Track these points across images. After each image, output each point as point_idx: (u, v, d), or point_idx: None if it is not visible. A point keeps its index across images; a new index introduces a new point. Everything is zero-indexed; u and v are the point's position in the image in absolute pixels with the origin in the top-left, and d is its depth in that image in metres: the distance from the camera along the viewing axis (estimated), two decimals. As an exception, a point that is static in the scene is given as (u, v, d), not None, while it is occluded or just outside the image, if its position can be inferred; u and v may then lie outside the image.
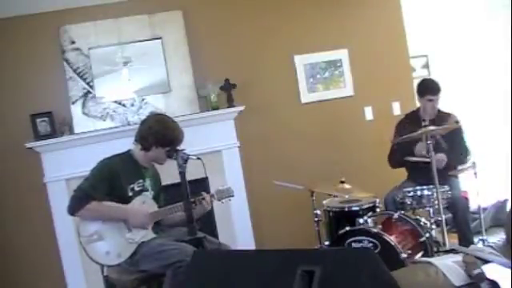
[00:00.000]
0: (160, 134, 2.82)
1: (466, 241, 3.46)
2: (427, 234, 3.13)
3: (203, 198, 2.90)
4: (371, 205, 3.35)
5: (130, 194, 2.82)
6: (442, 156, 3.51)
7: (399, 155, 3.78)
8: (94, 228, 2.72)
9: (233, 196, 3.07)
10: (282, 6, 4.44)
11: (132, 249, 2.72)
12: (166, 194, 3.13)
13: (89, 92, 4.03)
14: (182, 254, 2.58)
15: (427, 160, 3.27)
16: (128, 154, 2.92)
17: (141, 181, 2.89)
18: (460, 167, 3.75)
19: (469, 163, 3.71)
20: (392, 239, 2.93)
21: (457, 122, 3.64)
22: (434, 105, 3.73)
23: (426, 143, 3.24)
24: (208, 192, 3.04)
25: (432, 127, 3.25)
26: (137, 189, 2.85)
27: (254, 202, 4.27)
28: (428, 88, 3.74)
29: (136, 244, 2.73)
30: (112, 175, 2.77)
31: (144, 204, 2.85)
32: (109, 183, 2.75)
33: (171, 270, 2.60)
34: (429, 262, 2.12)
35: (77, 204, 2.69)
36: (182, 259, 2.55)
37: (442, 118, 3.71)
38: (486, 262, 2.02)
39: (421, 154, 3.54)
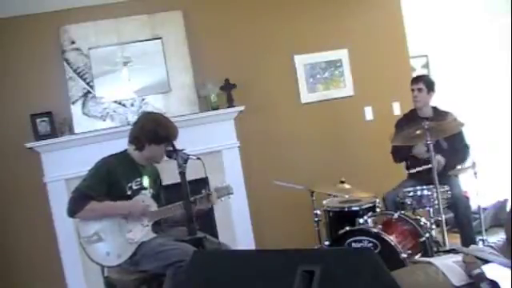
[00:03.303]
0: (152, 131, 2.82)
1: (468, 239, 3.47)
2: (427, 234, 3.13)
3: (210, 194, 2.91)
4: (371, 205, 3.35)
5: (129, 192, 2.81)
6: (440, 158, 3.52)
7: (398, 157, 3.81)
8: (94, 228, 2.71)
9: (232, 193, 3.07)
10: (282, 6, 4.44)
11: (132, 249, 2.71)
12: (165, 194, 3.13)
13: (89, 92, 4.03)
14: (183, 253, 2.57)
15: (428, 166, 3.28)
16: (125, 153, 2.91)
17: (138, 179, 2.88)
18: (460, 166, 3.75)
19: (469, 161, 3.71)
20: (392, 239, 2.93)
21: (455, 120, 3.64)
22: (416, 95, 3.78)
23: (425, 143, 3.24)
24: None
25: (433, 125, 3.24)
26: (135, 187, 2.85)
27: (254, 201, 4.27)
28: (412, 78, 3.88)
29: (136, 244, 2.72)
30: (109, 175, 2.76)
31: (143, 203, 2.85)
32: (107, 183, 2.74)
33: (171, 269, 2.60)
34: (429, 262, 2.12)
35: (76, 206, 2.68)
36: (182, 259, 2.55)
37: (439, 116, 3.71)
38: (486, 261, 2.02)
39: (420, 154, 3.54)
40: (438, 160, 3.50)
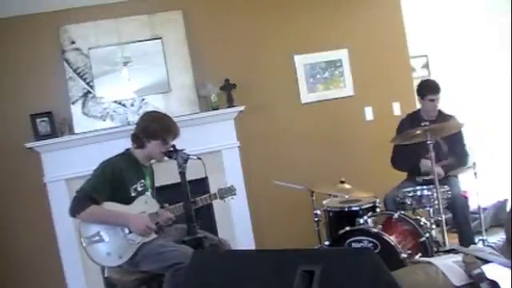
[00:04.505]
0: (149, 126, 2.84)
1: (466, 240, 3.46)
2: (427, 234, 3.12)
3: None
4: (371, 205, 3.35)
5: (133, 194, 2.81)
6: (440, 171, 3.51)
7: (403, 162, 3.79)
8: (96, 229, 2.70)
9: (235, 194, 3.08)
10: (282, 6, 4.44)
11: (133, 250, 2.71)
12: (165, 194, 3.14)
13: (89, 92, 4.03)
14: (182, 255, 2.57)
15: (430, 177, 3.27)
16: (128, 154, 2.92)
17: (142, 181, 2.89)
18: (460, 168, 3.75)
19: (467, 166, 3.70)
20: (392, 239, 2.93)
21: (458, 123, 3.63)
22: (435, 105, 3.73)
23: (430, 158, 3.22)
24: (208, 192, 3.06)
25: (433, 127, 3.24)
26: (139, 189, 2.85)
27: (254, 202, 4.27)
28: (429, 88, 3.75)
29: (137, 245, 2.72)
30: (115, 176, 2.75)
31: (146, 204, 2.85)
32: (111, 185, 2.73)
33: (170, 271, 2.60)
34: (429, 262, 2.12)
35: (78, 206, 2.67)
36: (181, 261, 2.55)
37: (443, 119, 3.70)
38: (486, 261, 2.02)
39: (427, 169, 3.52)
40: (438, 171, 3.50)
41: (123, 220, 2.72)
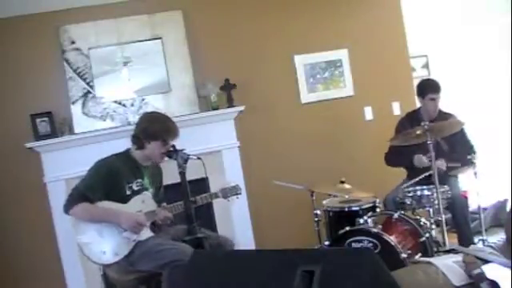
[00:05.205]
0: (149, 127, 2.84)
1: (465, 240, 3.46)
2: (427, 234, 3.13)
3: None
4: (371, 205, 3.35)
5: (128, 192, 2.80)
6: (440, 164, 3.50)
7: (396, 158, 3.79)
8: (91, 227, 2.70)
9: (240, 194, 3.08)
10: (282, 6, 4.44)
11: (129, 247, 2.71)
12: (165, 194, 3.14)
13: (89, 92, 4.03)
14: (179, 253, 2.58)
15: (428, 168, 3.26)
16: (127, 154, 2.92)
17: (140, 180, 2.88)
18: (463, 167, 3.73)
19: (474, 161, 3.67)
20: (392, 239, 2.93)
21: (458, 121, 3.62)
22: (436, 104, 3.72)
23: (424, 156, 3.20)
24: (208, 192, 3.06)
25: (433, 125, 3.23)
26: (135, 188, 2.85)
27: (254, 202, 4.27)
28: (429, 87, 3.74)
29: (133, 242, 2.72)
30: (109, 175, 2.76)
31: (143, 203, 2.85)
32: (105, 183, 2.73)
33: (167, 269, 2.60)
34: (429, 262, 2.12)
35: (71, 203, 2.70)
36: (178, 259, 2.55)
37: (442, 118, 3.70)
38: (486, 261, 2.02)
39: (422, 165, 3.52)
40: (440, 164, 3.49)
41: (114, 217, 2.72)
